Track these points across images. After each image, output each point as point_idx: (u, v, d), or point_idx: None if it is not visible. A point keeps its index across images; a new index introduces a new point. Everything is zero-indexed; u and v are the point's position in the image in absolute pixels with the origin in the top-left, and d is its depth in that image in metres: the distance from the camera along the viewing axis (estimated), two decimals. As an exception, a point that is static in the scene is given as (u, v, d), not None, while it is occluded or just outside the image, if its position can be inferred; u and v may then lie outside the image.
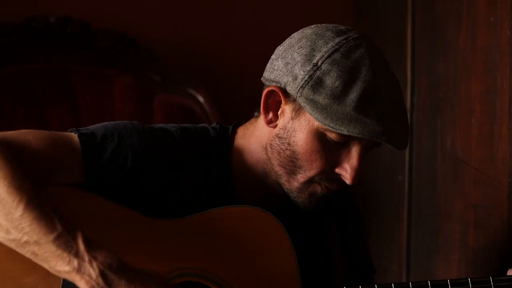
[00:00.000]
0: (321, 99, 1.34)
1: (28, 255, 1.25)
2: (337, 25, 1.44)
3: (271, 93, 1.42)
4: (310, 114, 1.36)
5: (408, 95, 2.30)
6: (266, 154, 1.45)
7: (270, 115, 1.43)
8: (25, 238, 1.23)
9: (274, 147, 1.43)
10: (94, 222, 1.32)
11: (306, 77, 1.36)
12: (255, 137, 1.47)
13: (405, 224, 2.31)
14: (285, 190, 1.44)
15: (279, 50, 1.44)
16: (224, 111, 2.34)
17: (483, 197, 1.95)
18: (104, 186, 1.36)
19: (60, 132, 1.38)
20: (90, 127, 1.41)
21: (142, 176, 1.38)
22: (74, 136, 1.37)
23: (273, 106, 1.43)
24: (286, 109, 1.41)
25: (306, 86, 1.35)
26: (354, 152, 1.38)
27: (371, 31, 2.50)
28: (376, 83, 1.36)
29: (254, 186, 1.48)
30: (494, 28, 1.90)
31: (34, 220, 1.23)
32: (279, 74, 1.40)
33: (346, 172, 1.39)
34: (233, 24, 2.51)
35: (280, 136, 1.42)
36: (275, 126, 1.43)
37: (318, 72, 1.35)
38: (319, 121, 1.34)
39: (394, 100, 1.40)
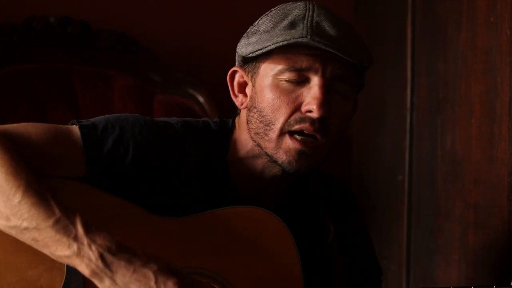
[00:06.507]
0: (254, 38, 1.42)
1: (28, 241, 1.25)
2: None
3: (232, 74, 1.49)
4: (246, 54, 1.41)
5: (408, 95, 2.30)
6: (250, 135, 1.45)
7: (240, 97, 1.48)
8: (24, 224, 1.23)
9: (249, 120, 1.45)
10: (95, 217, 1.31)
11: (245, 34, 1.46)
12: (242, 126, 1.49)
13: (405, 224, 2.31)
14: (269, 157, 1.43)
15: None
16: (224, 111, 2.33)
17: (483, 197, 1.95)
18: (106, 177, 1.36)
19: (61, 125, 1.38)
20: (91, 119, 1.41)
21: (143, 167, 1.38)
22: (75, 128, 1.37)
23: (239, 88, 1.48)
24: (249, 84, 1.46)
25: (244, 38, 1.45)
26: (314, 85, 1.39)
27: (371, 31, 2.50)
28: (310, 14, 1.39)
29: (249, 177, 1.48)
30: (494, 28, 1.90)
31: (33, 206, 1.23)
32: (236, 60, 1.49)
33: (311, 104, 1.38)
34: (233, 24, 2.50)
35: (249, 107, 1.45)
36: (247, 105, 1.46)
37: (254, 27, 1.45)
38: (252, 53, 1.40)
39: (336, 26, 1.39)
